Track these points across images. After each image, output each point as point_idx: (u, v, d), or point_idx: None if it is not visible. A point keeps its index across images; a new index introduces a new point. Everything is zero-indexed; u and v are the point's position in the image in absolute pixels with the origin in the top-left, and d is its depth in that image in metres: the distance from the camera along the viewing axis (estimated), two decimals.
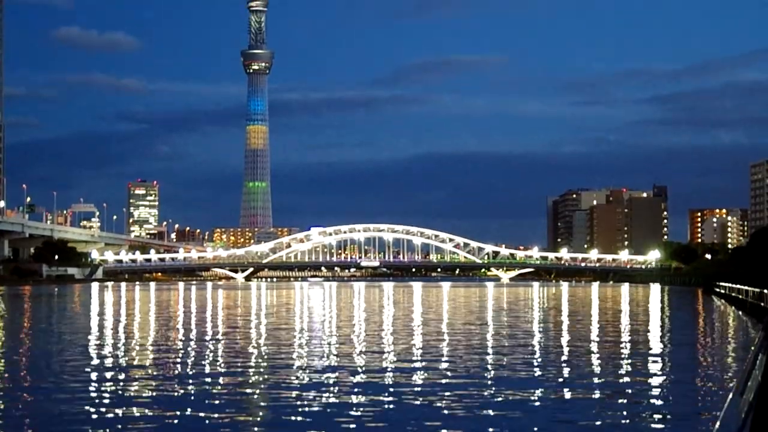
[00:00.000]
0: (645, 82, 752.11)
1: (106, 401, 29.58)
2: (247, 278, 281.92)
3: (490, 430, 24.39)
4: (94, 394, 31.26)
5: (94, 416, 26.74)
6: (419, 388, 31.91)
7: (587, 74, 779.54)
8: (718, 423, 7.99)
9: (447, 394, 30.34)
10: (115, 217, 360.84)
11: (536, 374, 36.77)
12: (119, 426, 25.12)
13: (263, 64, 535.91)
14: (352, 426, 25.03)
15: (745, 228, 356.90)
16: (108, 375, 36.77)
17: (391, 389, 31.70)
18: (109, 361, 42.17)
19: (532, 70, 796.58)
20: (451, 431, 24.32)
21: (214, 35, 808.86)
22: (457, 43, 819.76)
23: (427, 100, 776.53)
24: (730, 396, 9.90)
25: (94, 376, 36.67)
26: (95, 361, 42.26)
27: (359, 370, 37.71)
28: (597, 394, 31.29)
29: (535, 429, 24.79)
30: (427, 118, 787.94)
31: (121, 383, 34.30)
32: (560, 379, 35.11)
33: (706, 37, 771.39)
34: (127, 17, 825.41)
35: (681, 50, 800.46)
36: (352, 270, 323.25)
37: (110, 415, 26.72)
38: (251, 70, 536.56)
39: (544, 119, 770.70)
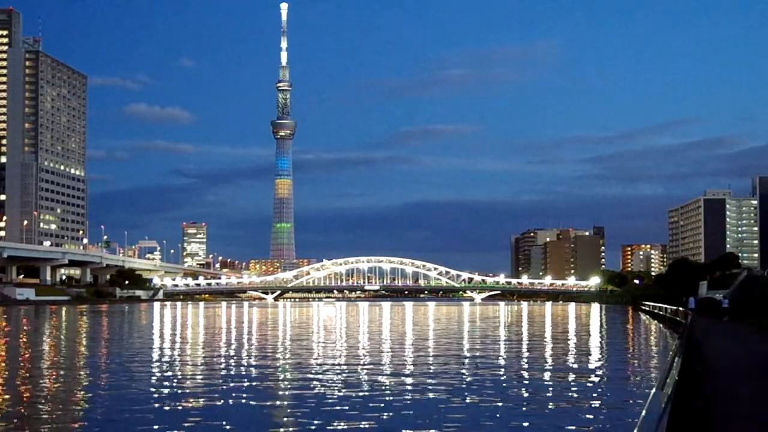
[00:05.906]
0: (585, 145, 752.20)
1: (166, 387, 29.93)
2: (276, 299, 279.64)
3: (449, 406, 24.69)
4: (155, 381, 31.58)
5: (155, 395, 27.06)
6: (408, 372, 32.36)
7: (540, 139, 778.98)
8: (644, 411, 8.00)
9: (429, 380, 30.92)
10: (172, 251, 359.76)
11: (501, 363, 37.34)
12: (176, 403, 25.36)
13: (288, 131, 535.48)
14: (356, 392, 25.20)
15: (665, 259, 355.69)
16: (167, 367, 37.13)
17: (385, 374, 32.21)
18: (167, 357, 42.78)
19: (496, 136, 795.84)
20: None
21: (249, 109, 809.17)
22: (437, 115, 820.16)
23: (415, 160, 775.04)
24: (653, 390, 9.88)
25: (157, 367, 36.99)
26: (159, 357, 42.72)
27: (363, 359, 38.12)
28: (547, 379, 31.96)
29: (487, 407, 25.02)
30: (414, 174, 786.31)
31: (179, 373, 34.50)
32: (521, 365, 36.13)
33: (632, 111, 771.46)
34: (183, 97, 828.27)
35: (613, 121, 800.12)
36: (358, 292, 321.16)
37: (167, 394, 27.02)
38: (279, 136, 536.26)
39: (506, 174, 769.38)
